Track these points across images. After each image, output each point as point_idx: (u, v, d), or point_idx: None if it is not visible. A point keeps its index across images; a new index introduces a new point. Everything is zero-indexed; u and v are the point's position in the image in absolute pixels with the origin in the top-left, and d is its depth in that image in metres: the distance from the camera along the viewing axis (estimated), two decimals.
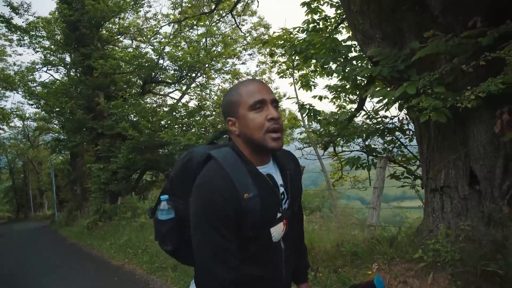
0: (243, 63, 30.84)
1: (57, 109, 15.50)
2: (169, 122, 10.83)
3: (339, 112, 5.23)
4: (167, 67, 14.04)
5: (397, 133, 4.58)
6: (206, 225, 1.12)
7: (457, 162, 3.10)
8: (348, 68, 4.16)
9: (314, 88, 5.80)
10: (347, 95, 5.48)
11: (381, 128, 4.45)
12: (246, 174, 1.16)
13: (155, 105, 15.29)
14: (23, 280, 6.51)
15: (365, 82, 4.31)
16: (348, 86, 4.91)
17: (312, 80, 6.20)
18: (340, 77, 4.69)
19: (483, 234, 2.75)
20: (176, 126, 11.50)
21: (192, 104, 14.98)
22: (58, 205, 26.53)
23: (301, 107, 4.87)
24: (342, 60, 4.46)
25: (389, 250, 3.06)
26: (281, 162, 1.31)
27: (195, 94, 15.99)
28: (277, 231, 1.24)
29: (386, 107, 3.20)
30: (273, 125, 1.16)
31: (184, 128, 11.95)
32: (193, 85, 15.61)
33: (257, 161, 1.23)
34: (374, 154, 4.91)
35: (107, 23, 15.02)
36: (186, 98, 16.49)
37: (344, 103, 5.67)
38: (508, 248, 2.51)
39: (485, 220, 2.82)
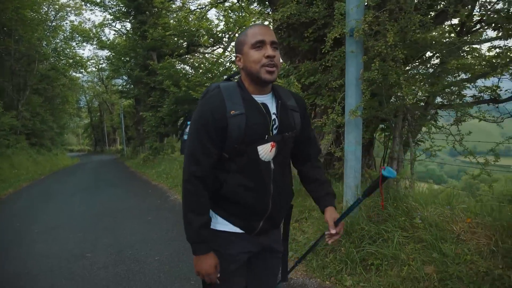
0: None
1: (122, 62, 19.22)
2: (201, 81, 13.54)
3: None
4: (204, 34, 16.70)
5: None
6: (193, 132, 1.43)
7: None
8: None
9: None
10: None
11: None
12: (239, 97, 1.41)
13: (196, 64, 18.15)
14: (97, 190, 10.19)
15: None
16: None
17: None
18: None
19: None
20: (207, 84, 14.27)
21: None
22: (126, 141, 31.44)
23: None
24: None
25: None
26: (279, 96, 1.51)
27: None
28: (265, 150, 1.45)
29: None
30: (269, 62, 1.37)
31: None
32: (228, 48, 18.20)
33: (255, 91, 1.46)
34: None
35: None
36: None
37: None
38: None
39: None
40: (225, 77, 1.77)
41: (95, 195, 9.09)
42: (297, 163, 1.71)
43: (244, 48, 1.42)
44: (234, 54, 1.51)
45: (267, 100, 1.49)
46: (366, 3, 3.21)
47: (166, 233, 5.17)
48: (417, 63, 4.61)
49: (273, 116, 1.47)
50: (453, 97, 4.19)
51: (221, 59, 15.40)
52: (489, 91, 4.51)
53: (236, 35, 16.74)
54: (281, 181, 1.53)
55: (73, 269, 3.93)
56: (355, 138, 3.27)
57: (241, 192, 1.46)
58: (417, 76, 3.70)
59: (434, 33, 5.02)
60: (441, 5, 3.75)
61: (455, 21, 4.62)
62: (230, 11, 15.50)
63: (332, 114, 3.43)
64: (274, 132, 1.47)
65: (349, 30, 3.11)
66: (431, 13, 3.69)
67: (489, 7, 4.40)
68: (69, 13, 27.77)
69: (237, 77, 1.58)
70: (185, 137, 1.65)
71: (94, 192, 9.62)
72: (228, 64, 14.53)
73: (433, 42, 3.16)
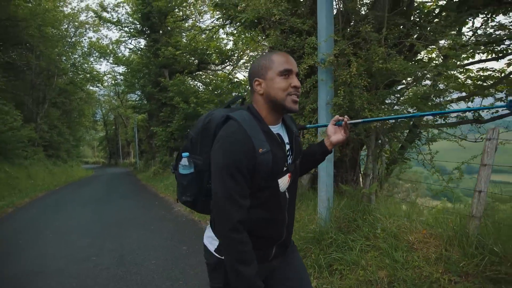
0: None
1: (136, 78, 20.14)
2: (209, 98, 14.15)
3: None
4: (212, 54, 17.49)
5: None
6: (225, 172, 1.31)
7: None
8: None
9: None
10: None
11: None
12: (260, 132, 1.36)
13: (208, 80, 18.92)
14: (107, 201, 10.77)
15: None
16: None
17: None
18: None
19: None
20: (215, 101, 14.85)
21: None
22: (139, 155, 32.23)
23: None
24: None
25: None
26: (287, 124, 1.53)
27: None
28: (284, 182, 1.45)
29: None
30: (295, 91, 1.38)
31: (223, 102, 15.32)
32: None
33: (270, 121, 1.44)
34: None
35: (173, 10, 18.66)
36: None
37: None
38: None
39: None
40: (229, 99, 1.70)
41: (105, 206, 9.64)
42: None
43: (269, 73, 1.39)
44: (253, 78, 1.45)
45: (280, 129, 1.49)
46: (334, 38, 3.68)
47: (166, 241, 5.61)
48: (396, 89, 5.03)
49: (287, 146, 1.48)
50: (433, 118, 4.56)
51: (230, 76, 16.07)
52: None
53: (247, 53, 17.37)
54: (292, 208, 1.57)
55: (79, 269, 4.40)
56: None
57: (261, 225, 1.44)
58: (386, 101, 4.11)
59: (423, 56, 5.46)
60: (411, 36, 4.17)
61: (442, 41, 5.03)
62: (240, 31, 16.18)
63: (307, 134, 3.87)
64: (289, 161, 1.49)
65: (319, 60, 3.58)
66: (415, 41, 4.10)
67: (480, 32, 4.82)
68: (87, 30, 28.87)
69: (239, 101, 1.62)
70: (181, 171, 1.53)
71: (105, 203, 10.18)
72: (235, 80, 15.14)
73: (397, 70, 3.55)
